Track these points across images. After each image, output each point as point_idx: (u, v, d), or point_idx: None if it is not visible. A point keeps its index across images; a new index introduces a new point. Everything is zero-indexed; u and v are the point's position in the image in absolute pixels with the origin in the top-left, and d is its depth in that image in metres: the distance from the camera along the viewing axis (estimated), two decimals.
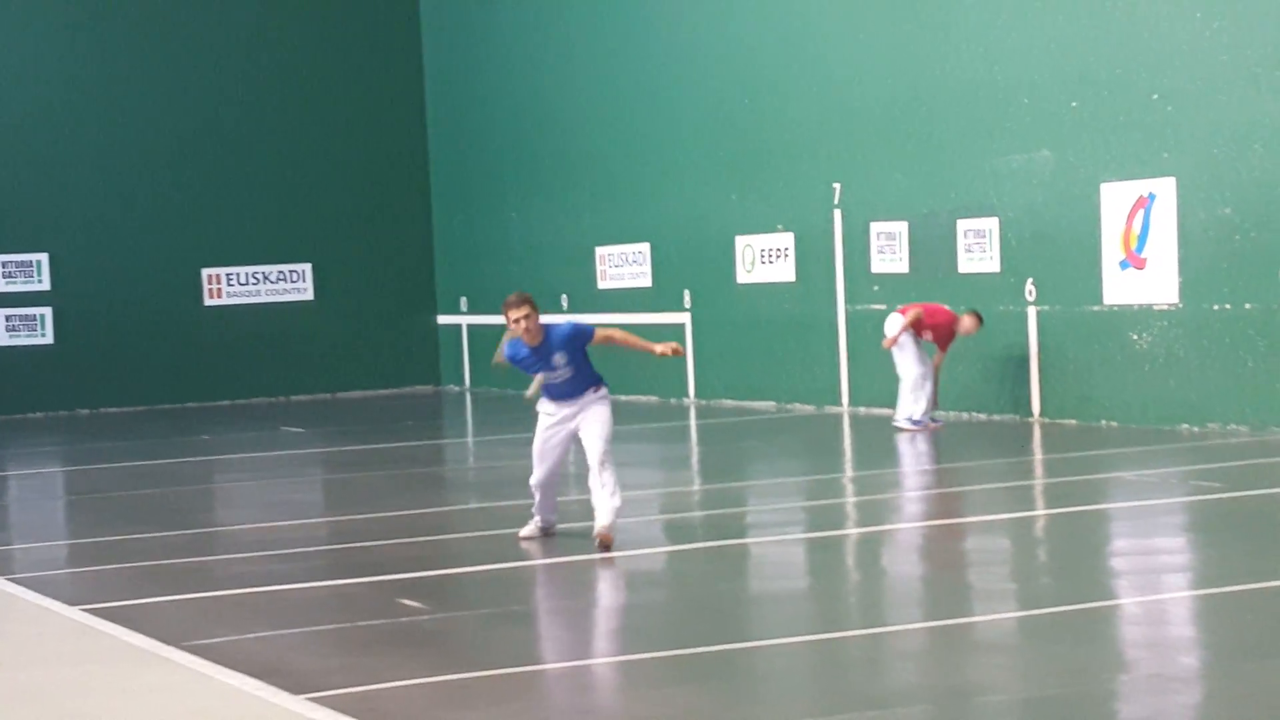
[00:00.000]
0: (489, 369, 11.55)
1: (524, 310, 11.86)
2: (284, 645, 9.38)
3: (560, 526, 12.64)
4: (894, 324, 19.68)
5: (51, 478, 19.72)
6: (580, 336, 12.06)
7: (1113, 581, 10.75)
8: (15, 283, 28.26)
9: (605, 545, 11.81)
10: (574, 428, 12.13)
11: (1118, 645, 8.95)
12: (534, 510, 12.56)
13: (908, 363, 19.63)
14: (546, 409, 12.23)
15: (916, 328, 19.64)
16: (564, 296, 26.96)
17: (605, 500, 11.92)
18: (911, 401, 19.56)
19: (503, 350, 12.11)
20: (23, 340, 28.30)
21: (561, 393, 12.10)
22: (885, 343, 19.66)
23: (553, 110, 27.58)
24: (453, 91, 30.08)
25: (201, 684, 8.40)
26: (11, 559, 13.05)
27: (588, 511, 12.40)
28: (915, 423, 19.39)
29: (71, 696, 8.28)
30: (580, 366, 12.07)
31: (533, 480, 12.37)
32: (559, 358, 11.95)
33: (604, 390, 12.22)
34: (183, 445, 21.84)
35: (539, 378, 12.13)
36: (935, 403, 19.93)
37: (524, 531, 12.53)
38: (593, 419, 12.07)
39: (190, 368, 29.05)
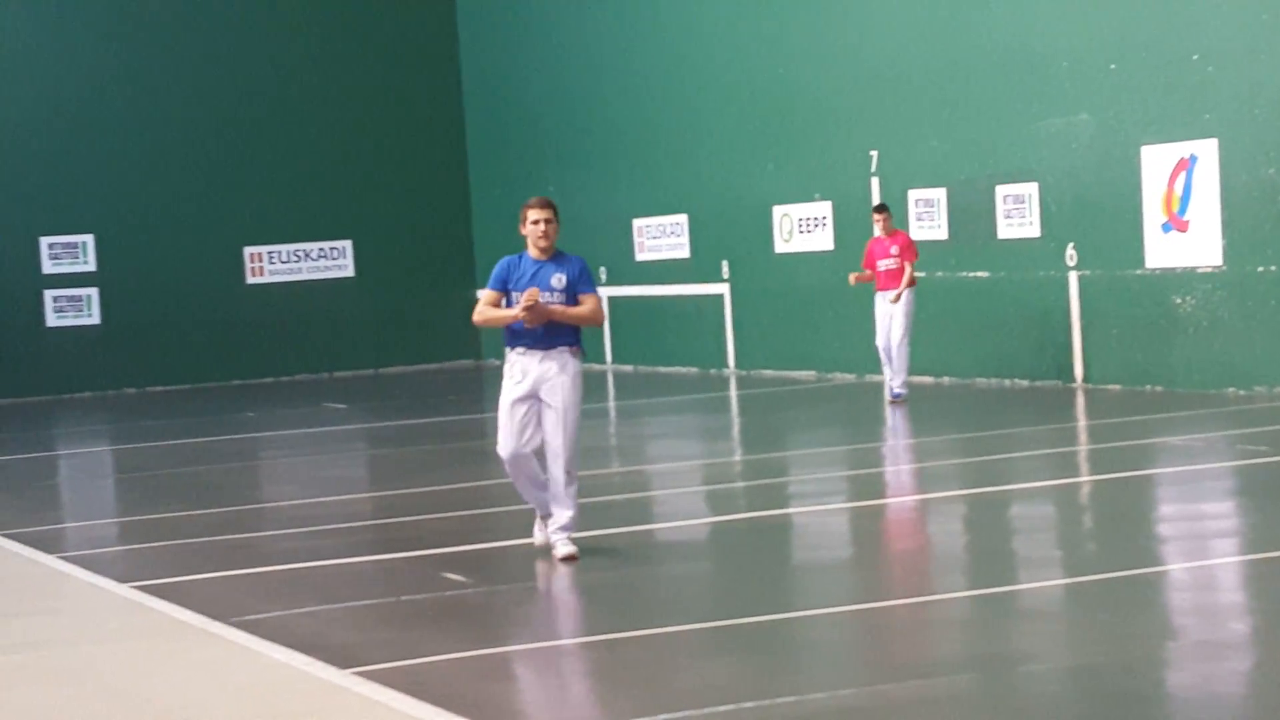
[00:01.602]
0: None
1: (547, 213, 10.65)
2: (329, 620, 9.42)
3: (587, 501, 12.02)
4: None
5: (100, 456, 19.84)
6: (588, 274, 10.75)
7: (1160, 547, 10.71)
8: (62, 264, 28.41)
9: (572, 559, 10.54)
10: (539, 409, 10.55)
11: (1165, 612, 8.92)
12: (529, 500, 10.98)
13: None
14: (514, 365, 10.58)
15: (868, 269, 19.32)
16: (602, 269, 26.96)
17: (565, 512, 10.61)
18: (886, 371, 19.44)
19: (498, 273, 10.66)
20: (70, 321, 28.47)
21: (536, 336, 10.52)
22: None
23: (589, 82, 27.55)
24: (489, 66, 30.07)
25: (249, 659, 8.45)
26: (62, 537, 13.15)
27: (625, 483, 12.36)
28: (895, 395, 19.25)
29: (122, 672, 8.34)
30: (569, 306, 10.61)
31: (502, 452, 10.64)
32: (559, 279, 10.55)
33: (580, 355, 10.69)
34: (227, 423, 21.94)
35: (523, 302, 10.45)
36: (896, 373, 19.28)
37: (538, 538, 10.96)
38: (559, 408, 10.47)
39: (234, 346, 29.18)
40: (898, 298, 18.94)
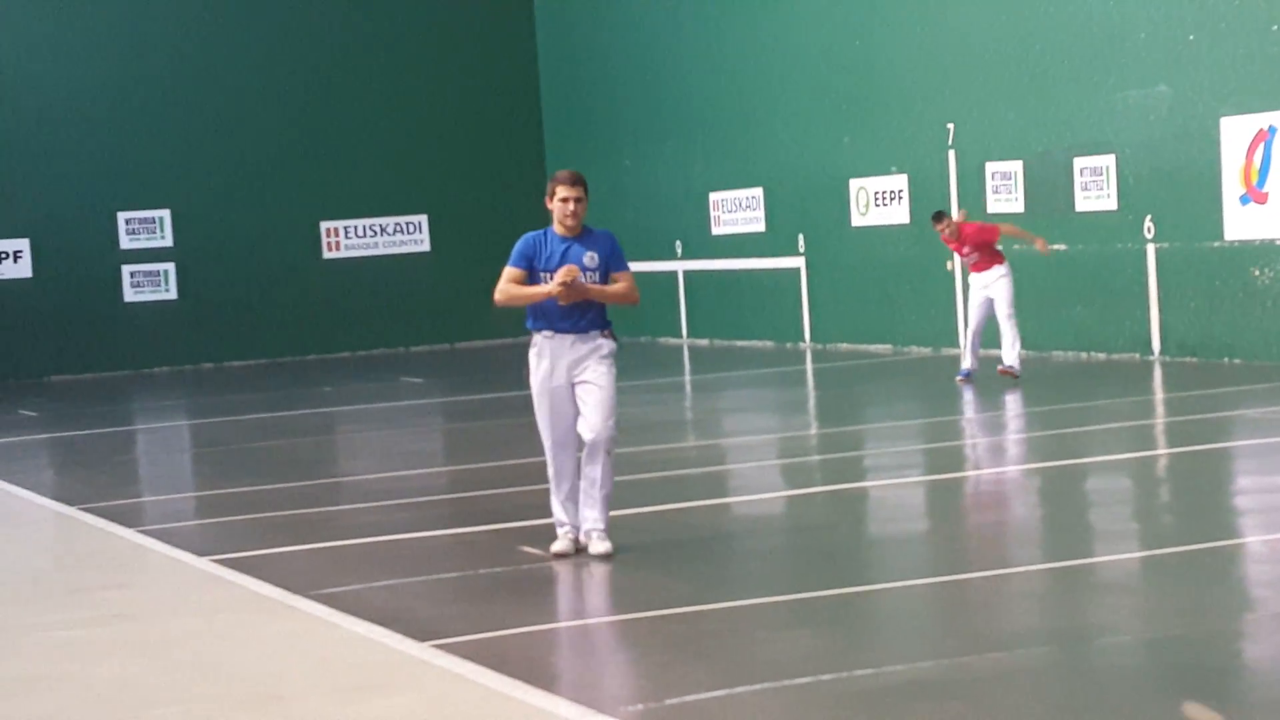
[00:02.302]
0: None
1: (578, 190, 9.91)
2: (408, 593, 9.49)
3: (663, 475, 12.00)
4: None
5: (177, 431, 20.02)
6: (619, 250, 10.09)
7: (1237, 520, 10.64)
8: (139, 239, 28.65)
9: (609, 556, 9.99)
10: (573, 392, 9.95)
11: (1242, 584, 8.87)
12: (557, 520, 10.22)
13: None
14: (543, 349, 9.97)
15: (968, 250, 18.46)
16: (678, 243, 26.97)
17: (596, 512, 10.01)
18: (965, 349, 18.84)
19: (522, 250, 10.02)
20: (147, 296, 28.72)
21: (564, 319, 9.91)
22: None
23: (665, 57, 27.53)
24: (565, 41, 30.09)
25: (328, 632, 8.52)
26: (141, 511, 13.28)
27: (701, 457, 12.36)
28: (962, 373, 18.63)
29: (201, 646, 8.43)
30: (604, 285, 9.98)
31: (547, 449, 10.07)
32: (591, 257, 9.90)
33: (613, 341, 10.03)
34: (304, 397, 22.09)
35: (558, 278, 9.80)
36: (975, 351, 18.60)
37: (557, 546, 10.14)
38: (600, 385, 9.86)
39: (310, 320, 29.37)
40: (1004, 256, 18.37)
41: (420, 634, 8.24)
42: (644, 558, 9.98)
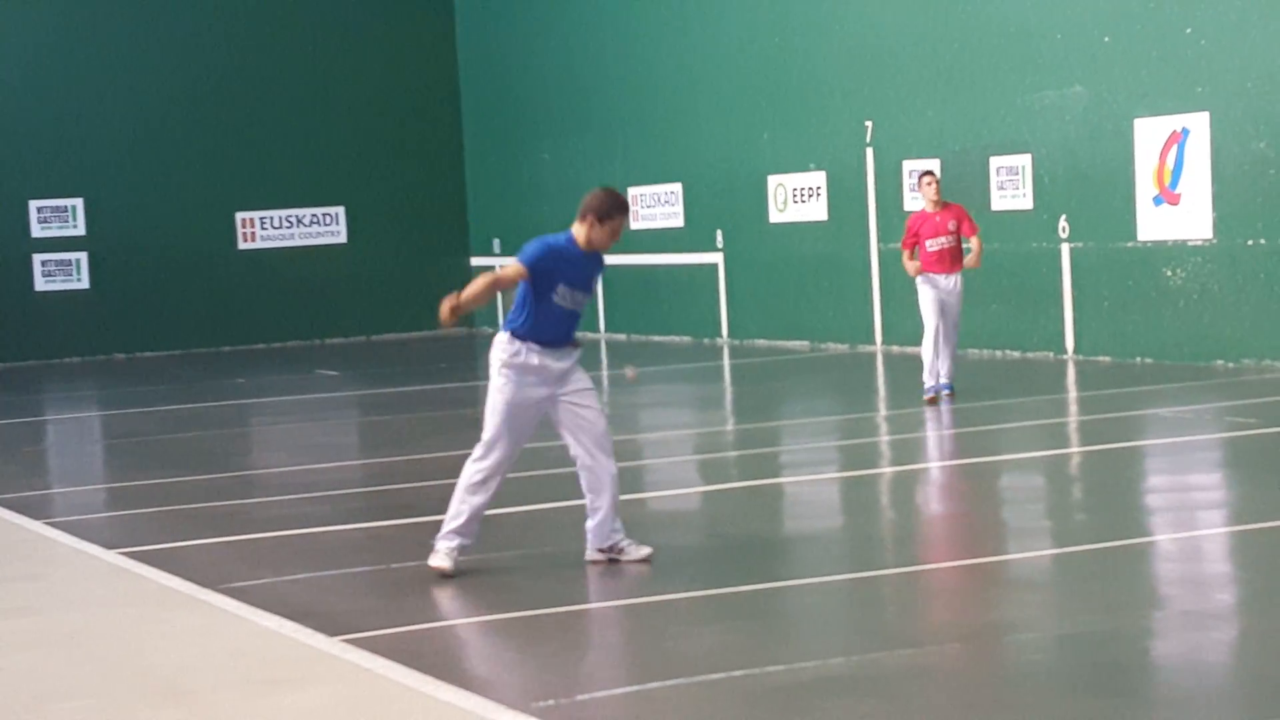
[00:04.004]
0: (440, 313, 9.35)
1: (624, 218, 9.49)
2: (320, 587, 9.43)
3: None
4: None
5: (88, 422, 19.83)
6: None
7: (1148, 518, 10.73)
8: (51, 228, 28.36)
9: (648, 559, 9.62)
10: (545, 411, 9.51)
11: (1152, 582, 8.95)
12: (455, 530, 9.50)
13: (923, 309, 16.49)
14: (527, 362, 9.39)
15: (913, 248, 16.41)
16: None
17: (617, 520, 9.65)
18: (926, 360, 16.38)
19: (541, 254, 9.31)
20: (59, 285, 28.44)
21: (558, 334, 9.42)
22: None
23: (585, 50, 27.50)
24: (485, 33, 30.01)
25: (238, 626, 8.46)
26: (50, 503, 13.15)
27: (616, 452, 12.24)
28: (928, 391, 16.23)
29: (110, 639, 8.35)
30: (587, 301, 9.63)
31: (495, 458, 9.41)
32: (596, 280, 9.61)
33: (578, 348, 9.61)
34: (218, 389, 21.93)
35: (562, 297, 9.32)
36: (949, 366, 16.37)
37: (437, 561, 9.46)
38: (591, 400, 9.51)
39: (225, 311, 29.17)
40: (970, 260, 16.33)
41: (332, 628, 8.20)
42: (558, 554, 9.95)
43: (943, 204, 16.41)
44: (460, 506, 9.48)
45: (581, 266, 9.36)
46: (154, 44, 28.77)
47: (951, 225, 16.23)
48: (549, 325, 9.35)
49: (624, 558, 9.58)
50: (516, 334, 9.42)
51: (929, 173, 16.55)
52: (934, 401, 16.07)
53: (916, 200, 21.38)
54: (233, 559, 10.33)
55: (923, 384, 16.32)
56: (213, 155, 29.06)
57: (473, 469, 9.47)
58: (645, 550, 9.61)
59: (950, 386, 16.33)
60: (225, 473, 14.18)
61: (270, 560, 10.24)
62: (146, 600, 9.23)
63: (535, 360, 9.35)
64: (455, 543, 9.47)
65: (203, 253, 29.06)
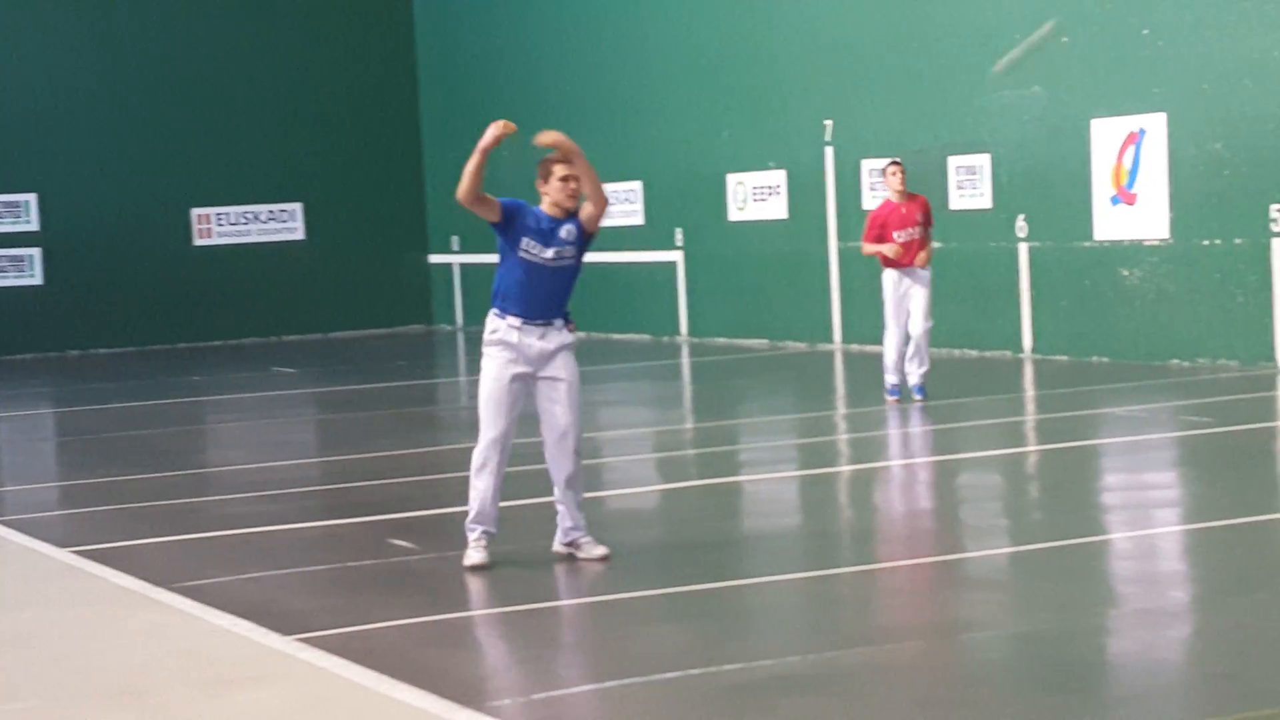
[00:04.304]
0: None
1: (561, 165, 9.52)
2: (274, 586, 9.38)
3: (535, 468, 11.80)
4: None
5: (41, 419, 19.71)
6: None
7: (1103, 517, 10.76)
8: (4, 223, 28.17)
9: (606, 558, 9.53)
10: (530, 389, 9.44)
11: (1108, 580, 8.97)
12: (473, 520, 9.51)
13: (886, 304, 16.14)
14: (507, 336, 9.34)
15: (881, 241, 15.82)
16: None
17: (579, 514, 9.56)
18: (888, 359, 16.06)
19: (514, 206, 9.50)
20: (11, 281, 28.24)
21: (539, 304, 9.36)
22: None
23: (544, 47, 27.46)
24: (443, 28, 29.93)
25: (192, 625, 8.40)
26: (1, 501, 13.05)
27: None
28: (890, 392, 15.96)
29: (61, 639, 8.28)
30: (578, 265, 9.56)
31: (487, 439, 9.38)
32: (568, 230, 9.47)
33: (574, 332, 9.65)
34: (173, 386, 21.82)
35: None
36: (919, 367, 15.92)
37: (471, 559, 9.47)
38: (569, 380, 9.40)
39: (180, 308, 29.01)
40: (926, 262, 15.82)
41: (286, 627, 8.15)
42: (515, 552, 9.93)
43: (908, 195, 15.87)
44: (470, 495, 9.52)
45: (549, 225, 9.38)
46: (110, 39, 28.60)
47: (919, 216, 15.76)
48: (523, 290, 9.32)
49: (580, 554, 9.56)
50: (496, 307, 9.43)
51: (895, 162, 16.05)
52: (898, 403, 15.67)
53: (876, 198, 21.41)
54: (186, 557, 10.27)
55: (885, 384, 16.04)
56: (169, 151, 28.89)
57: (473, 455, 9.51)
58: (600, 550, 9.55)
59: (922, 390, 15.74)
60: (180, 470, 14.10)
61: (224, 559, 10.18)
62: (99, 599, 9.17)
63: (514, 338, 9.30)
64: (475, 533, 9.50)
65: (158, 249, 28.89)
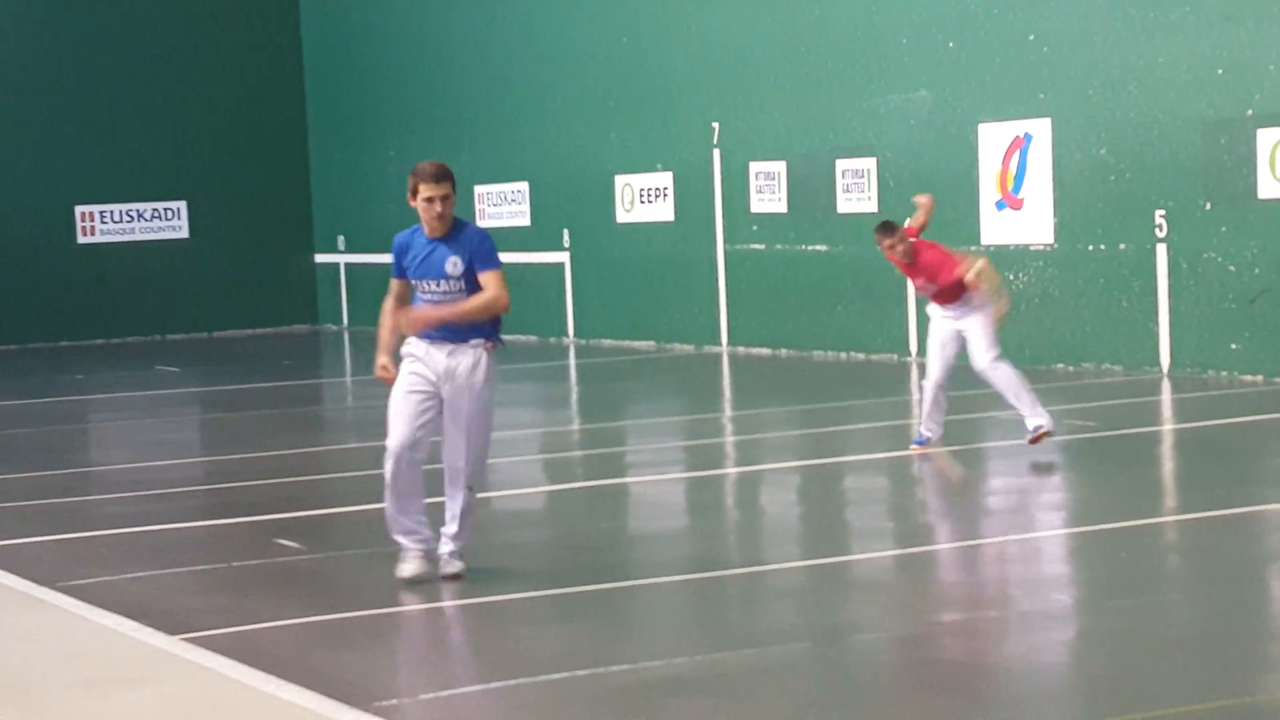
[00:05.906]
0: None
1: (443, 188, 8.82)
2: (159, 585, 9.29)
3: (431, 468, 11.86)
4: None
5: None
6: (488, 248, 8.97)
7: (988, 520, 10.87)
8: None
9: (457, 578, 9.05)
10: (441, 406, 8.95)
11: (992, 583, 9.06)
12: (395, 530, 9.09)
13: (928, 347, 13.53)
14: (413, 351, 8.97)
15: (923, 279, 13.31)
16: None
17: (455, 526, 9.08)
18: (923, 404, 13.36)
19: (395, 257, 9.05)
20: None
21: (444, 326, 8.92)
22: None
23: (431, 47, 27.37)
24: (329, 27, 29.75)
25: (76, 625, 8.31)
26: None
27: (438, 453, 12.12)
28: (919, 440, 13.25)
29: None
30: (470, 294, 8.91)
31: (387, 448, 8.94)
32: (454, 262, 8.85)
33: (495, 349, 9.04)
34: (55, 384, 21.56)
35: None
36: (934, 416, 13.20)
37: (406, 571, 9.04)
38: (466, 414, 8.89)
39: (63, 306, 28.66)
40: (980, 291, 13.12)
41: (171, 627, 8.08)
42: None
43: (908, 259, 13.34)
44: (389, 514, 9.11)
45: (427, 254, 8.88)
46: None
47: (922, 282, 13.33)
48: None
49: (438, 567, 9.11)
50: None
51: (885, 228, 13.54)
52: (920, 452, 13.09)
53: (763, 201, 21.53)
54: (69, 557, 10.15)
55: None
56: (52, 149, 28.53)
57: None
58: (456, 567, 9.04)
59: (923, 441, 13.17)
60: (62, 469, 13.93)
61: (108, 558, 10.07)
62: None
63: (421, 351, 8.88)
64: (401, 545, 9.07)
65: (41, 247, 28.52)
